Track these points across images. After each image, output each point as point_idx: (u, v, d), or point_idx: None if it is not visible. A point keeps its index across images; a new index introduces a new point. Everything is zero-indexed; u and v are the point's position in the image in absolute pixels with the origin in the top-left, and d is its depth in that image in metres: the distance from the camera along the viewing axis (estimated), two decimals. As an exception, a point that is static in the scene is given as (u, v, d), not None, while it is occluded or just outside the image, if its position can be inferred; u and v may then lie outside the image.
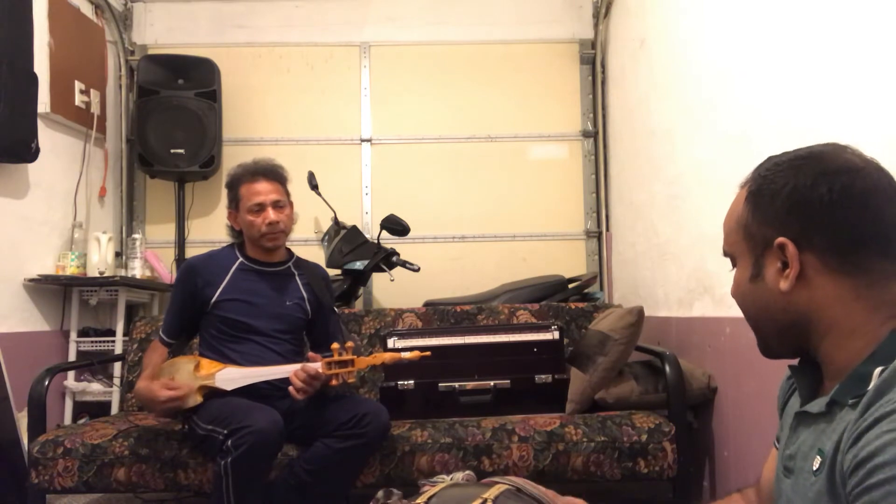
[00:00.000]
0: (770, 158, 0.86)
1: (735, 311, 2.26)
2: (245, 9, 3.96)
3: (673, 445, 2.10)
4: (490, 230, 3.89)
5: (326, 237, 3.44)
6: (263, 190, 2.14)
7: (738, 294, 0.90)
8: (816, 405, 0.81)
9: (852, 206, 0.77)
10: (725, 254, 0.91)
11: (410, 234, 3.25)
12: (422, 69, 3.97)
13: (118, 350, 3.24)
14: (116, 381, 3.20)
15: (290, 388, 1.96)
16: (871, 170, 0.79)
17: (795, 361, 0.91)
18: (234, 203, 2.19)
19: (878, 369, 0.73)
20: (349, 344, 2.00)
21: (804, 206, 0.79)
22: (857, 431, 0.69)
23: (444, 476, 1.04)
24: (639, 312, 2.32)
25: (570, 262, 3.82)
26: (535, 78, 3.95)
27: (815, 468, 0.76)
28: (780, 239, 0.80)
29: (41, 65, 3.08)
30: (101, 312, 3.56)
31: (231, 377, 2.05)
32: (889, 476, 0.63)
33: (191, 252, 3.68)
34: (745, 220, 0.85)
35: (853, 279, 0.78)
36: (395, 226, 3.19)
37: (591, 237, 3.88)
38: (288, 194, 2.22)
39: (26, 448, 2.37)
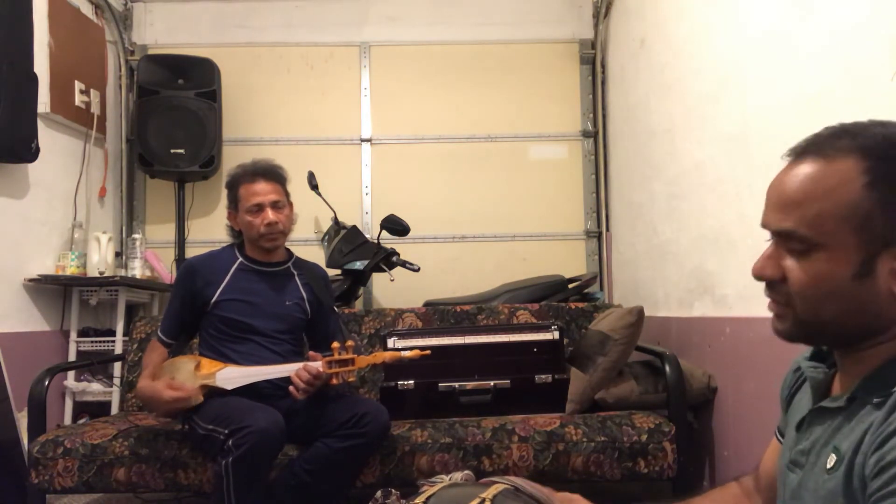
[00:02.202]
0: (871, 131, 0.75)
1: (735, 311, 2.26)
2: (245, 9, 3.96)
3: (673, 445, 2.09)
4: (490, 230, 3.89)
5: (326, 237, 3.44)
6: (262, 190, 2.14)
7: (821, 289, 0.75)
8: (835, 401, 0.79)
9: None
10: (788, 232, 0.77)
11: (410, 234, 3.25)
12: (422, 69, 3.97)
13: (118, 350, 3.24)
14: (116, 381, 3.20)
15: (291, 387, 1.96)
16: None
17: (804, 353, 0.90)
18: (234, 204, 2.19)
19: None
20: (349, 343, 2.01)
21: None
22: (882, 435, 0.68)
23: (443, 476, 1.04)
24: (639, 312, 2.32)
25: (570, 262, 3.82)
26: (535, 78, 3.95)
27: (829, 466, 0.75)
28: None
29: (41, 65, 3.08)
30: (101, 312, 3.56)
31: (231, 377, 2.05)
32: None
33: (191, 252, 3.68)
34: (868, 211, 0.72)
35: None
36: (395, 226, 3.19)
37: (591, 237, 3.88)
38: (287, 195, 2.22)
39: (26, 448, 2.37)
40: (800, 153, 0.79)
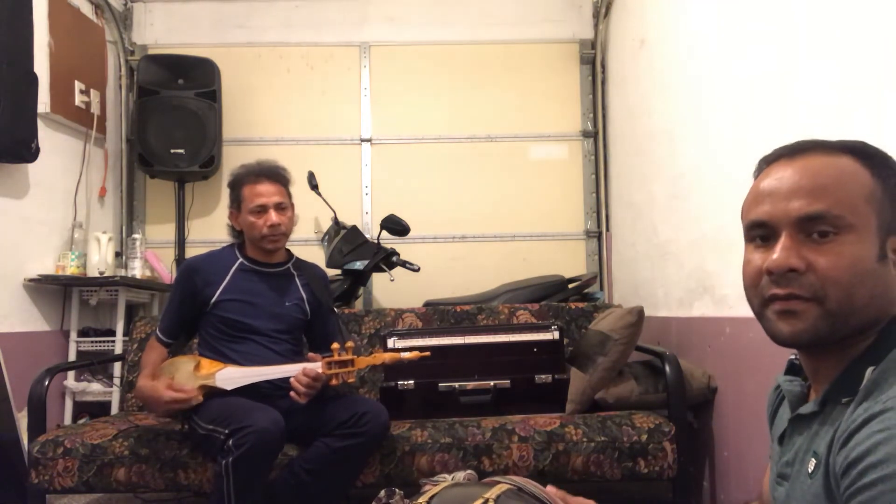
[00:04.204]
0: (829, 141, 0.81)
1: (735, 312, 2.27)
2: (245, 9, 3.96)
3: (673, 445, 2.10)
4: (490, 230, 3.90)
5: (326, 237, 3.44)
6: (266, 192, 2.14)
7: (856, 271, 0.75)
8: (809, 406, 0.81)
9: None
10: (812, 217, 0.76)
11: (410, 234, 3.25)
12: (422, 69, 3.97)
13: (118, 350, 3.25)
14: (116, 381, 3.20)
15: (292, 393, 1.97)
16: None
17: (781, 372, 0.91)
18: (237, 203, 2.19)
19: (870, 369, 0.73)
20: (349, 344, 2.01)
21: None
22: (847, 432, 0.69)
23: (446, 476, 1.04)
24: (639, 312, 2.32)
25: (570, 262, 3.82)
26: (535, 78, 3.95)
27: (810, 470, 0.76)
28: None
29: (41, 65, 3.08)
30: (101, 312, 3.55)
31: (231, 377, 2.05)
32: (882, 475, 0.63)
33: (191, 252, 3.68)
34: (879, 194, 0.77)
35: None
36: (395, 226, 3.19)
37: (591, 237, 3.88)
38: (290, 196, 2.22)
39: (26, 448, 2.37)
40: (794, 152, 0.81)
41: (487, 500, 0.91)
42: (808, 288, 0.76)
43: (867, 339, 0.77)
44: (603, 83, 3.84)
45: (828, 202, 0.76)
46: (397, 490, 1.00)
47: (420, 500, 0.93)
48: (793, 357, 0.90)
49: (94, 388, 3.27)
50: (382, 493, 1.02)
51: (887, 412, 0.66)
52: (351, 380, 2.03)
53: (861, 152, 0.79)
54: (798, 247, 0.77)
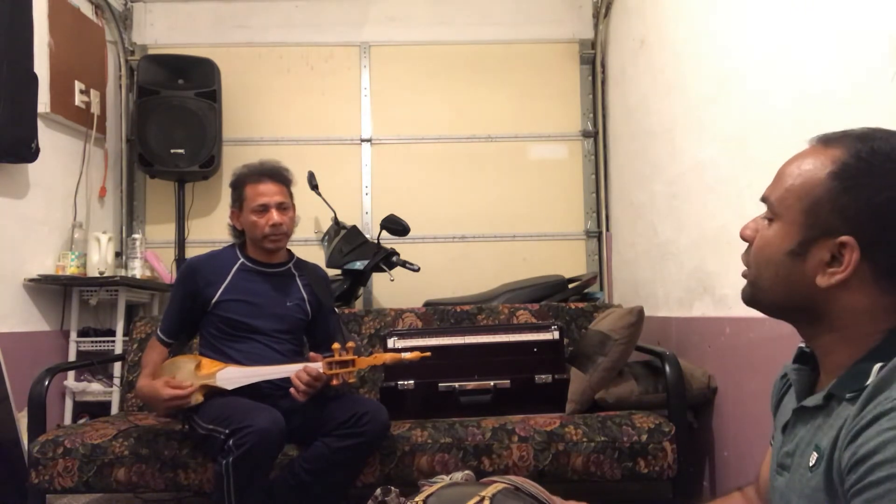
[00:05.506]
0: (874, 137, 0.77)
1: (735, 312, 2.26)
2: (245, 9, 3.96)
3: (673, 445, 2.09)
4: (490, 230, 3.89)
5: (326, 237, 3.44)
6: (268, 191, 2.14)
7: (763, 253, 0.84)
8: (813, 399, 0.81)
9: None
10: (766, 200, 0.85)
11: (410, 234, 3.25)
12: (422, 69, 3.97)
13: (118, 350, 3.25)
14: (116, 381, 3.20)
15: (292, 389, 1.97)
16: None
17: (790, 360, 0.91)
18: (238, 203, 2.19)
19: (878, 365, 0.73)
20: (350, 344, 2.00)
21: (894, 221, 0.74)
22: (855, 428, 0.69)
23: (443, 476, 1.04)
24: (639, 312, 2.32)
25: (570, 262, 3.82)
26: (535, 78, 3.95)
27: (811, 464, 0.76)
28: (848, 239, 0.75)
29: (41, 65, 3.08)
30: (101, 312, 3.55)
31: (232, 376, 2.05)
32: (889, 474, 0.63)
33: (191, 252, 3.68)
34: (819, 196, 0.77)
35: (891, 298, 0.76)
36: (395, 226, 3.19)
37: (591, 237, 3.88)
38: (291, 196, 2.23)
39: (26, 448, 2.37)
40: (816, 141, 0.83)
41: (483, 499, 0.91)
42: (747, 255, 0.88)
43: (875, 338, 0.76)
44: (603, 83, 3.83)
45: (773, 191, 0.84)
46: (393, 488, 1.00)
47: (417, 499, 0.93)
48: (802, 345, 0.90)
49: (94, 388, 3.28)
50: (378, 491, 1.02)
51: None
52: (352, 380, 2.03)
53: (857, 151, 0.76)
54: (759, 223, 0.87)
